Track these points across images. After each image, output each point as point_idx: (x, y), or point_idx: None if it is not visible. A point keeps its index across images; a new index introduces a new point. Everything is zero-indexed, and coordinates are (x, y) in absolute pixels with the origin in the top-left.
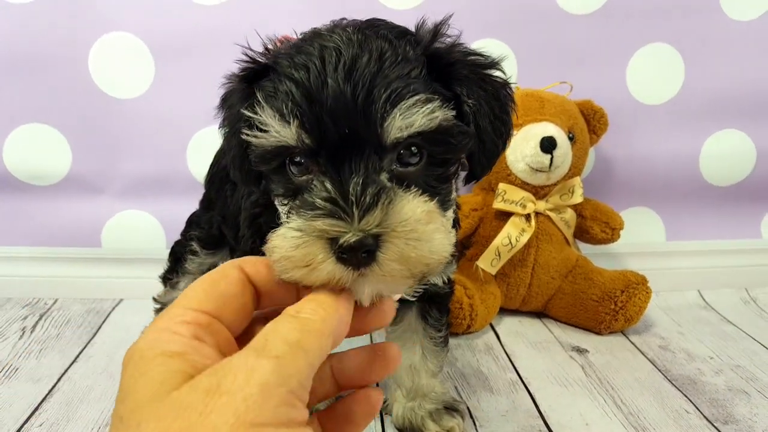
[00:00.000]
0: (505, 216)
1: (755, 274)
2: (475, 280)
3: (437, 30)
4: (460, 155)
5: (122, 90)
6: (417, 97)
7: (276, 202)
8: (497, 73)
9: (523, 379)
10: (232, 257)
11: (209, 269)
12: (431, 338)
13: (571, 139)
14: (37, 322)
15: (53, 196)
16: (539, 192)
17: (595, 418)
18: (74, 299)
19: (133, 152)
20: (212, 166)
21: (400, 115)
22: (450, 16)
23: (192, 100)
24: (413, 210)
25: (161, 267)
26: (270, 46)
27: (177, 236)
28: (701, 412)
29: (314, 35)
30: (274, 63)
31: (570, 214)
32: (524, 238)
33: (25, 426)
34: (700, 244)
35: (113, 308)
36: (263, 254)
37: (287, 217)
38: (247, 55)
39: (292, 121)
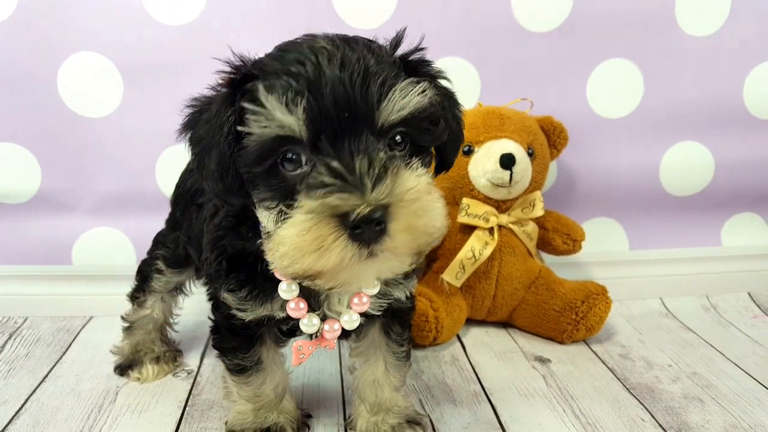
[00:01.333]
0: (469, 229)
1: (716, 281)
2: (440, 293)
3: (399, 38)
4: (438, 143)
5: (91, 109)
6: (408, 80)
7: (259, 210)
8: (445, 82)
9: (486, 390)
10: (197, 275)
11: (175, 288)
12: (394, 353)
13: (530, 154)
14: (6, 342)
15: (23, 214)
16: (501, 206)
17: (554, 428)
18: (45, 317)
19: (102, 170)
20: (178, 186)
21: (399, 93)
22: (404, 30)
23: (161, 117)
24: (417, 180)
25: (131, 284)
26: (246, 59)
27: (146, 253)
28: (656, 420)
29: (296, 42)
30: (260, 67)
31: (532, 227)
32: (487, 251)
33: None
34: (662, 253)
35: (83, 326)
36: (228, 276)
37: (277, 220)
38: (229, 64)
39: (297, 107)
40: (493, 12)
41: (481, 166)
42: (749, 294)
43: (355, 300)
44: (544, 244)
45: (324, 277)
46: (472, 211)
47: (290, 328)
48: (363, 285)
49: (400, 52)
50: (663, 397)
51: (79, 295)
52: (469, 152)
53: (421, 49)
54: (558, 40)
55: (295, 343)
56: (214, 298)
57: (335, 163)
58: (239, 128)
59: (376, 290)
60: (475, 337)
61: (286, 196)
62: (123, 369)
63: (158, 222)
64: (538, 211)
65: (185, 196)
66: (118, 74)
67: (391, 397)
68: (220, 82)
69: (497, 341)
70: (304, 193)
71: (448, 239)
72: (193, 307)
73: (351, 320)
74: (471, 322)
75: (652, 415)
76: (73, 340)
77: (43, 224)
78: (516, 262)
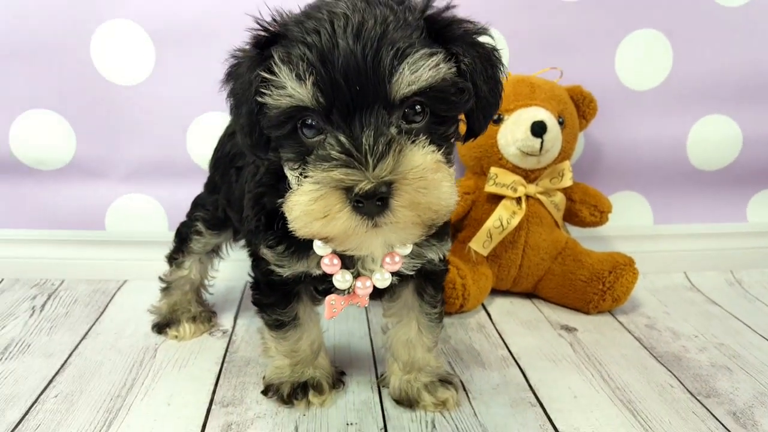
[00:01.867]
0: (496, 199)
1: (740, 257)
2: (467, 262)
3: None
4: (460, 112)
5: (124, 76)
6: (422, 51)
7: (286, 169)
8: (487, 39)
9: (514, 355)
10: (234, 238)
11: (213, 250)
12: (427, 314)
13: (561, 123)
14: (45, 302)
15: (58, 180)
16: (530, 176)
17: (584, 391)
18: (80, 280)
19: (134, 137)
20: (217, 150)
21: (408, 69)
22: None
23: (192, 85)
24: (423, 158)
25: (163, 249)
26: (278, 18)
27: (178, 219)
28: (685, 386)
29: (321, 4)
30: (284, 30)
31: (560, 198)
32: (515, 221)
33: (41, 398)
34: (686, 228)
35: (118, 288)
36: (267, 232)
37: (298, 182)
38: (258, 23)
39: (307, 79)
40: None
41: (511, 134)
42: None
43: (387, 259)
44: (571, 215)
45: (334, 241)
46: (500, 180)
47: (325, 288)
48: (373, 251)
49: (429, 12)
50: (691, 365)
51: (112, 260)
52: (498, 121)
53: (452, 7)
54: (587, 10)
55: (329, 297)
56: (254, 255)
57: (343, 137)
58: (258, 99)
59: (408, 250)
60: (501, 306)
61: (306, 160)
62: (161, 327)
63: (190, 189)
64: (567, 182)
65: (224, 159)
66: (150, 42)
67: (424, 357)
68: (250, 41)
69: (523, 310)
70: (312, 163)
71: (475, 209)
72: (225, 273)
73: (383, 279)
74: (495, 292)
75: (681, 382)
76: (110, 301)
77: (76, 190)
78: (543, 232)
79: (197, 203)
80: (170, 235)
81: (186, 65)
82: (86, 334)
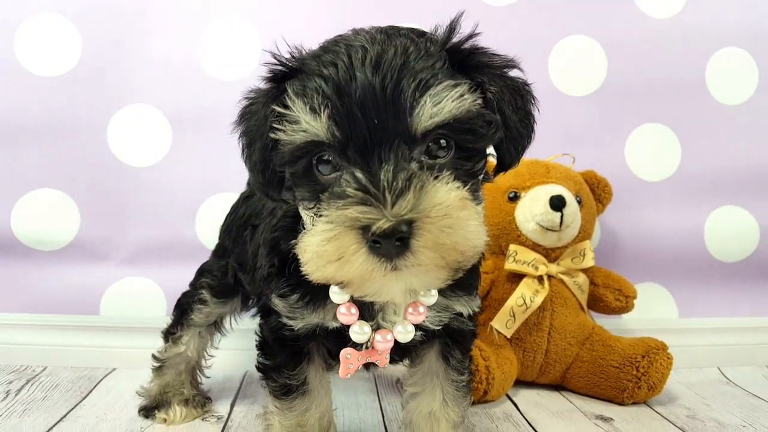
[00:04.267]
0: (517, 278)
1: None
2: (490, 344)
3: (453, 25)
4: (488, 145)
5: (138, 158)
6: (446, 83)
7: (300, 209)
8: (516, 73)
9: None
10: (243, 305)
11: (215, 322)
12: (453, 381)
13: (579, 202)
14: (22, 386)
15: (56, 261)
16: (550, 255)
17: None
18: (65, 367)
19: (142, 219)
20: (229, 215)
21: (430, 100)
22: (462, 13)
23: (205, 168)
24: (447, 195)
25: (159, 336)
26: (295, 53)
27: (188, 285)
28: None
29: (339, 39)
30: (301, 65)
31: (583, 279)
32: (539, 299)
33: None
34: (715, 321)
35: (105, 376)
36: (280, 279)
37: (312, 222)
38: (275, 57)
39: (322, 112)
40: (530, 77)
41: (529, 210)
42: None
43: (410, 309)
44: (595, 300)
45: (351, 287)
46: (521, 257)
47: (340, 348)
48: (393, 297)
49: (452, 41)
50: None
51: (102, 347)
52: (515, 198)
53: (475, 35)
54: (595, 104)
55: (344, 350)
56: (264, 309)
57: (360, 173)
58: (271, 135)
59: (433, 300)
60: (527, 397)
61: (321, 198)
62: (148, 410)
63: (193, 272)
64: (589, 261)
65: (237, 222)
66: (168, 125)
67: None
68: (267, 75)
69: (552, 402)
70: (326, 202)
71: (495, 289)
72: (223, 363)
73: (405, 331)
74: (520, 383)
75: None
76: (94, 387)
77: (74, 272)
78: (569, 314)
79: (203, 270)
80: (167, 321)
81: (200, 149)
82: (63, 417)
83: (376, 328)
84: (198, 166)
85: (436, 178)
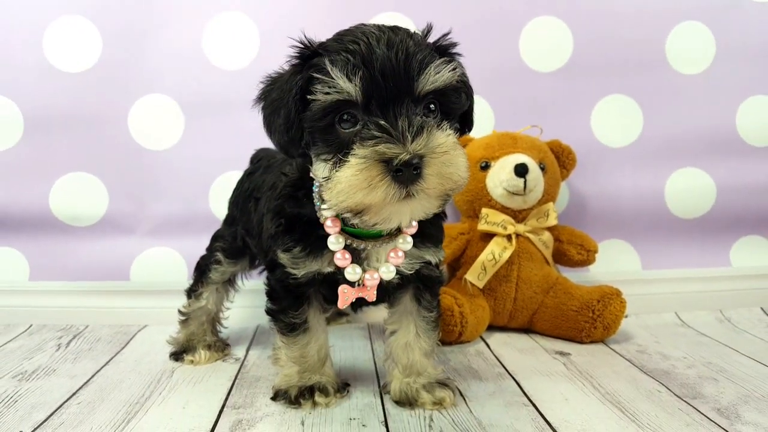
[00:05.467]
0: (489, 238)
1: (728, 298)
2: (464, 294)
3: (429, 29)
4: (463, 108)
5: (156, 143)
6: (441, 59)
7: (316, 164)
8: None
9: (510, 371)
10: (251, 266)
11: (229, 280)
12: (424, 318)
13: (542, 168)
14: (71, 340)
15: (90, 235)
16: (518, 216)
17: (574, 395)
18: (103, 325)
19: (162, 196)
20: (236, 189)
21: (433, 70)
22: (431, 24)
23: (215, 150)
24: (446, 138)
25: (181, 297)
26: (314, 41)
27: (205, 250)
28: (672, 392)
29: (350, 29)
30: (323, 48)
31: (547, 236)
32: (506, 254)
33: (65, 404)
34: (675, 272)
35: (138, 331)
36: (285, 236)
37: (331, 171)
38: (300, 41)
39: (354, 78)
40: (503, 55)
41: (497, 176)
42: (762, 309)
43: (392, 254)
44: (560, 255)
45: (370, 212)
46: (491, 219)
47: (333, 295)
48: (401, 221)
49: (431, 39)
50: (678, 377)
51: (134, 308)
52: (486, 167)
53: (448, 34)
54: (562, 79)
55: (341, 286)
56: (271, 263)
57: (383, 122)
58: (308, 96)
59: (409, 246)
60: (498, 338)
61: (340, 150)
62: (177, 355)
63: (208, 241)
64: (552, 220)
65: (243, 195)
66: (181, 113)
67: (421, 361)
68: (294, 55)
69: (519, 341)
70: (358, 143)
71: (470, 247)
72: (238, 318)
73: (388, 271)
74: (493, 328)
75: (668, 388)
76: (131, 339)
77: (106, 244)
78: (534, 267)
79: (216, 236)
80: (188, 283)
81: (211, 132)
82: (108, 362)
83: (363, 272)
84: (208, 148)
85: (438, 126)
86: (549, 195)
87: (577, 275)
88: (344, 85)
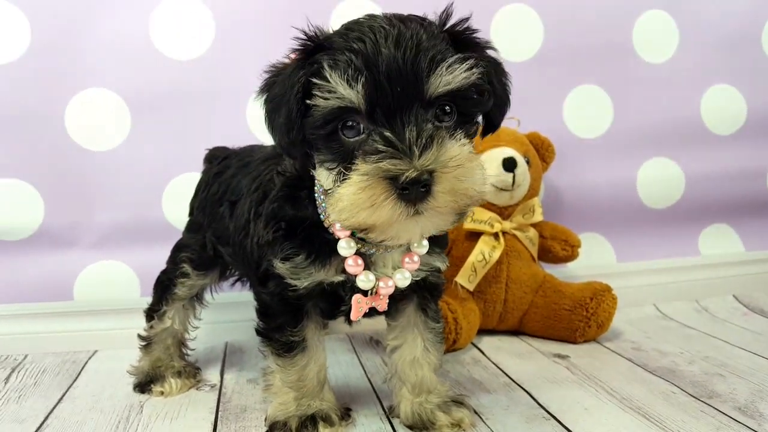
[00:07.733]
0: (474, 237)
1: (702, 287)
2: (455, 298)
3: (447, 14)
4: (484, 110)
5: (98, 143)
6: (456, 57)
7: (319, 171)
8: (491, 52)
9: (516, 380)
10: (221, 277)
11: (197, 295)
12: (431, 330)
13: (527, 162)
14: (9, 374)
15: (25, 250)
16: (504, 213)
17: (592, 403)
18: (46, 353)
19: (108, 203)
20: (201, 191)
21: (445, 71)
22: (452, 4)
23: (167, 149)
24: (460, 149)
25: (136, 316)
26: (319, 33)
27: (151, 284)
28: (686, 392)
29: (358, 21)
30: (328, 41)
31: (533, 233)
32: (496, 254)
33: None
34: (649, 263)
35: (89, 358)
36: (284, 243)
37: (335, 180)
38: (304, 33)
39: (356, 84)
40: None
41: None
42: (734, 296)
43: (407, 259)
44: (544, 251)
45: (376, 231)
46: (477, 217)
47: (331, 308)
48: (411, 239)
49: (448, 25)
50: (684, 375)
51: (81, 331)
52: None
53: (466, 19)
54: (533, 69)
55: (355, 296)
56: (263, 276)
57: (388, 133)
58: (307, 102)
59: (425, 249)
60: (490, 343)
61: (344, 159)
62: (143, 386)
63: (165, 253)
64: (538, 216)
65: (212, 198)
66: (126, 108)
67: (431, 378)
68: (297, 48)
69: (512, 345)
70: (360, 157)
71: (456, 247)
72: (203, 336)
73: (404, 277)
74: (482, 331)
75: (681, 389)
76: (82, 369)
77: (44, 260)
78: (522, 266)
79: (181, 245)
80: (143, 302)
81: (161, 129)
82: (61, 398)
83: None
84: (159, 147)
85: (450, 136)
86: (533, 190)
87: (555, 271)
88: (345, 91)
